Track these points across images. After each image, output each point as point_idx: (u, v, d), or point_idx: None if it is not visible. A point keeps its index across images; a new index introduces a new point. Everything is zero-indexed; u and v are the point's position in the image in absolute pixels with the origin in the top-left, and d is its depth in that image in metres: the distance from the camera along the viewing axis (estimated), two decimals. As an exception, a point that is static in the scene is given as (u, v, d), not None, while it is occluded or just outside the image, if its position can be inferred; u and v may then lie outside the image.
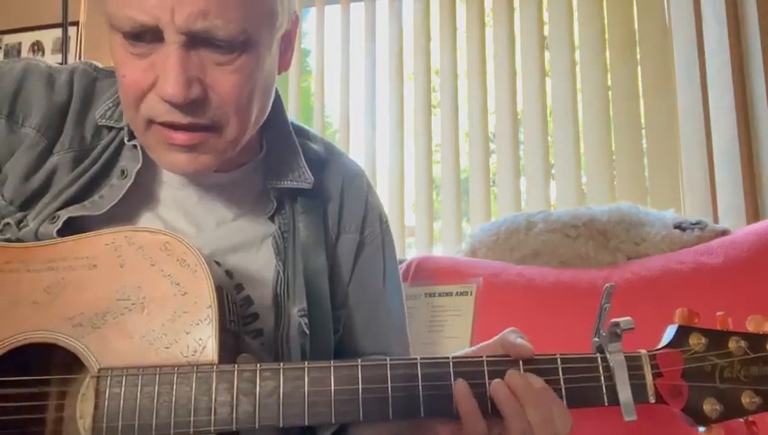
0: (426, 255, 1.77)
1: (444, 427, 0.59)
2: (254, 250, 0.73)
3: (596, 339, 0.62)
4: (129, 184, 0.68)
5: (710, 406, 0.59)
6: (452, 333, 1.24)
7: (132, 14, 0.57)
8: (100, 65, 0.77)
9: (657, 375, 0.60)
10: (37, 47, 2.28)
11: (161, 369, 0.56)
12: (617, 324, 0.60)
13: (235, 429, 0.55)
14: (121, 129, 0.71)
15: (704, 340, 0.62)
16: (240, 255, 0.65)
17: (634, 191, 1.76)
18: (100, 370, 0.56)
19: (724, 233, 1.30)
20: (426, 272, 1.33)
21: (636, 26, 1.82)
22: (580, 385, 0.59)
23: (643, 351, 0.61)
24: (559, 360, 0.59)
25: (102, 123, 0.71)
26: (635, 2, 1.83)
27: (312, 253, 0.74)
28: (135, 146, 0.69)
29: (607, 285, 0.63)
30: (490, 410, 0.57)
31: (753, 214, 1.57)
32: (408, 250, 2.04)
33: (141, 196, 0.70)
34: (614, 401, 0.59)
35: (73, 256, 0.59)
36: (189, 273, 0.58)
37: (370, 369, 0.57)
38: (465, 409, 0.56)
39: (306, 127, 0.87)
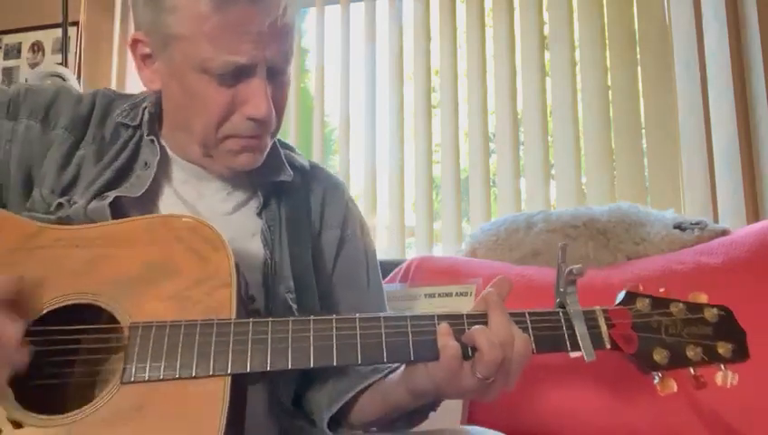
0: (426, 255, 1.77)
1: (434, 370, 0.66)
2: (247, 240, 0.83)
3: (557, 299, 0.72)
4: (153, 172, 0.80)
5: (659, 355, 0.69)
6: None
7: (233, 58, 0.72)
8: (118, 91, 0.91)
9: (610, 326, 0.70)
10: (37, 47, 2.28)
11: (186, 321, 0.64)
12: (571, 271, 0.70)
13: (248, 370, 0.63)
14: (137, 126, 0.83)
15: (648, 302, 0.72)
16: (235, 245, 0.71)
17: (634, 191, 1.76)
18: (131, 323, 0.64)
19: (724, 233, 1.30)
20: (425, 272, 1.33)
21: (636, 26, 1.82)
22: (546, 334, 0.68)
23: (597, 307, 0.72)
24: (527, 314, 0.69)
25: (119, 120, 0.84)
26: (635, 2, 1.83)
27: (297, 244, 0.85)
28: (152, 140, 0.82)
29: (561, 244, 0.74)
30: (470, 353, 0.65)
31: (753, 214, 1.57)
32: (408, 250, 2.04)
33: (156, 186, 0.82)
34: (575, 347, 0.68)
35: (113, 235, 0.70)
36: (212, 248, 0.68)
37: (367, 320, 0.67)
38: (444, 343, 0.65)
39: (291, 144, 0.99)
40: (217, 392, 0.62)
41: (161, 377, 0.62)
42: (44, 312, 0.64)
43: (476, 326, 0.65)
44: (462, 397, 0.68)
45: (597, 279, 1.23)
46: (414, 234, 1.98)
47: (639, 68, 1.80)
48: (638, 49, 1.81)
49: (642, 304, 0.72)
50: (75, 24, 2.18)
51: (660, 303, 0.73)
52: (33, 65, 2.26)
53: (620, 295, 0.74)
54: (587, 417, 1.11)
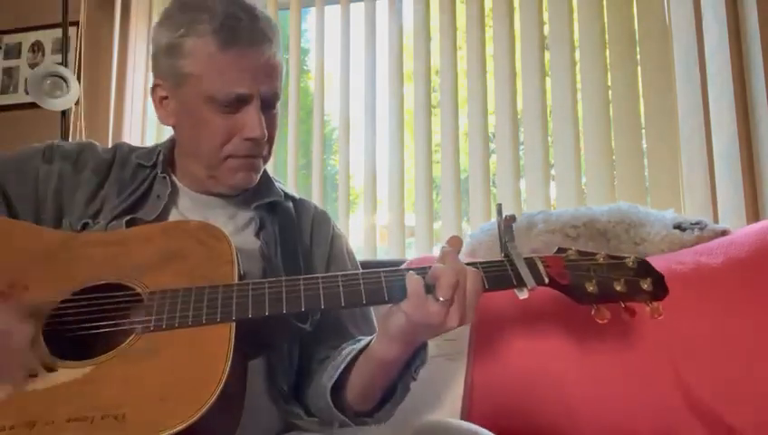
0: (426, 255, 1.77)
1: (404, 307, 0.77)
2: (246, 257, 0.92)
3: (503, 252, 0.85)
4: (164, 202, 0.96)
5: (591, 287, 0.81)
6: (451, 334, 1.24)
7: (236, 90, 0.89)
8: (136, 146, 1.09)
9: (546, 267, 0.83)
10: (37, 47, 2.28)
11: (195, 287, 0.77)
12: (506, 218, 0.85)
13: (250, 316, 0.75)
14: (152, 166, 1.00)
15: (575, 251, 0.86)
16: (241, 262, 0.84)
17: (634, 191, 1.76)
18: (149, 292, 0.77)
19: (724, 233, 1.30)
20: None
21: (636, 26, 1.82)
22: (495, 274, 0.81)
23: (534, 255, 0.85)
24: (479, 264, 0.81)
25: (138, 161, 1.01)
26: (635, 2, 1.83)
27: (290, 259, 0.98)
28: (165, 178, 0.99)
29: (497, 203, 0.89)
30: (432, 290, 0.76)
31: (753, 214, 1.57)
32: (408, 250, 2.04)
33: (165, 214, 0.97)
34: (520, 283, 0.80)
35: (135, 236, 0.87)
36: (216, 239, 0.84)
37: (348, 276, 0.80)
38: (409, 279, 0.77)
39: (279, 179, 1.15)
40: (225, 337, 0.73)
41: (176, 325, 0.74)
42: (80, 288, 0.78)
43: (435, 264, 0.78)
44: (431, 329, 0.77)
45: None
46: (414, 234, 1.98)
47: (639, 68, 1.80)
48: (638, 49, 1.81)
49: (571, 253, 0.85)
50: (75, 24, 2.18)
51: (586, 253, 0.86)
52: (33, 65, 2.26)
53: (553, 251, 0.87)
54: (586, 416, 1.11)
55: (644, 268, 0.84)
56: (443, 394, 1.18)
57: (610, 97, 1.82)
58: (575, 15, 1.89)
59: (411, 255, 1.97)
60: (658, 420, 1.08)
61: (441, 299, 0.74)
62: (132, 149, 1.05)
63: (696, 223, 1.33)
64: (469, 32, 1.98)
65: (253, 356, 0.85)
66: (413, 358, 0.86)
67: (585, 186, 1.85)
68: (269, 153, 0.99)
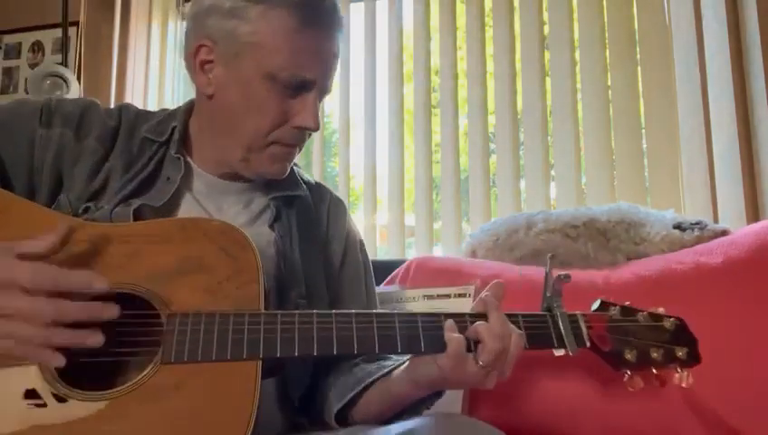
0: (426, 255, 1.77)
1: (440, 361, 0.74)
2: (261, 250, 0.85)
3: (544, 304, 0.84)
4: (175, 187, 0.87)
5: (629, 354, 0.82)
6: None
7: (303, 73, 0.82)
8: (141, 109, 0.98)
9: (589, 327, 0.83)
10: (37, 47, 2.28)
11: (220, 312, 0.71)
12: (559, 278, 0.83)
13: (278, 355, 0.70)
14: (163, 142, 0.90)
15: (618, 310, 0.86)
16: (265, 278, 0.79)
17: (634, 191, 1.76)
18: (168, 313, 0.70)
19: (724, 233, 1.30)
20: (425, 272, 1.33)
21: (636, 26, 1.82)
22: (536, 332, 0.79)
23: (578, 311, 0.84)
24: (520, 316, 0.79)
25: (148, 136, 0.90)
26: (635, 2, 1.83)
27: (308, 253, 0.92)
28: (179, 158, 0.89)
29: (549, 254, 0.87)
30: (473, 347, 0.74)
31: (753, 214, 1.57)
32: (408, 250, 2.04)
33: (177, 199, 0.88)
34: (561, 344, 0.80)
35: (150, 233, 0.76)
36: (240, 248, 0.76)
37: (383, 316, 0.75)
38: (450, 336, 0.73)
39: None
40: (250, 374, 0.68)
41: (199, 358, 0.68)
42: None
43: (480, 322, 0.75)
44: (464, 386, 0.77)
45: (597, 279, 1.23)
46: (414, 234, 1.98)
47: (639, 68, 1.80)
48: (638, 49, 1.81)
49: (614, 312, 0.86)
50: (75, 23, 2.18)
51: (628, 312, 0.86)
52: (33, 65, 2.26)
53: (596, 304, 0.87)
54: (585, 416, 1.11)
55: (681, 332, 0.86)
56: (443, 394, 1.18)
57: (610, 97, 1.82)
58: (575, 15, 1.89)
59: (411, 255, 1.97)
60: (659, 419, 1.08)
61: (482, 364, 0.72)
62: (139, 115, 0.94)
63: (696, 223, 1.32)
64: (469, 32, 1.98)
65: (269, 376, 0.81)
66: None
67: (585, 186, 1.84)
68: (299, 151, 0.94)
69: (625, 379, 0.82)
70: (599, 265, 1.29)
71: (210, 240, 0.76)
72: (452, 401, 1.16)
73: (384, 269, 1.38)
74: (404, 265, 1.37)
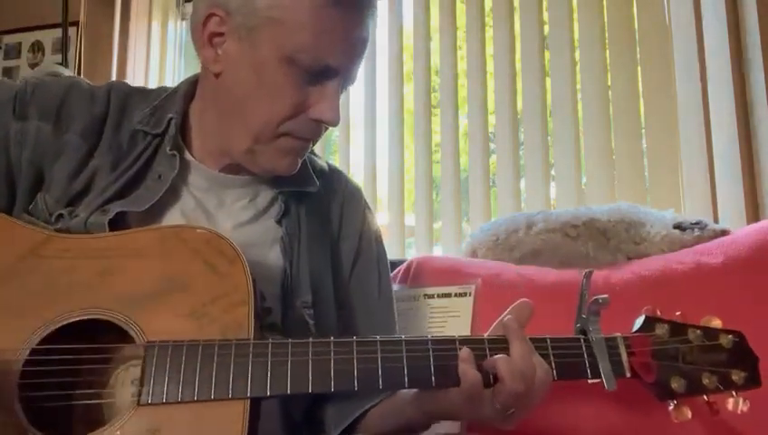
0: (426, 255, 1.77)
1: (453, 396, 0.66)
2: (266, 250, 0.81)
3: (578, 325, 0.73)
4: (165, 188, 0.77)
5: (677, 383, 0.71)
6: (451, 334, 1.24)
7: (328, 59, 0.72)
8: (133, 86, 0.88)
9: (630, 354, 0.71)
10: (37, 47, 2.28)
11: (203, 342, 0.63)
12: (597, 301, 0.72)
13: (269, 394, 0.62)
14: (157, 135, 0.80)
15: (667, 328, 0.74)
16: (253, 254, 0.70)
17: (634, 191, 1.76)
18: (147, 342, 0.62)
19: (724, 233, 1.30)
20: (426, 272, 1.33)
21: (636, 26, 1.82)
22: (567, 361, 0.68)
23: (618, 334, 0.73)
24: (548, 341, 0.69)
25: (139, 128, 0.80)
26: (635, 2, 1.82)
27: (316, 253, 0.84)
28: (174, 155, 0.79)
29: (586, 271, 0.75)
30: (491, 381, 0.65)
31: (753, 214, 1.57)
32: (408, 250, 2.04)
33: (170, 197, 0.79)
34: (596, 374, 0.69)
35: (125, 246, 0.68)
36: (228, 262, 0.67)
37: (389, 344, 0.66)
38: (465, 371, 0.64)
39: None
40: (236, 416, 0.61)
41: (179, 399, 0.61)
42: (55, 328, 0.63)
43: (500, 356, 0.65)
44: (479, 421, 0.69)
45: (597, 279, 1.23)
46: (414, 234, 1.97)
47: (639, 68, 1.80)
48: (638, 49, 1.81)
49: (661, 331, 0.74)
50: (75, 23, 2.18)
51: (678, 329, 0.75)
52: (33, 65, 2.26)
53: (639, 321, 0.75)
54: (586, 416, 1.11)
55: (739, 352, 0.74)
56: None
57: (610, 97, 1.82)
58: (575, 15, 1.88)
59: (411, 255, 1.97)
60: (659, 419, 1.08)
61: (500, 407, 0.64)
62: (131, 94, 0.84)
63: (696, 223, 1.32)
64: (469, 32, 1.98)
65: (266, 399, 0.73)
66: None
67: (585, 186, 1.84)
68: (312, 147, 0.84)
69: (670, 408, 0.72)
70: (599, 264, 1.29)
71: (194, 253, 0.67)
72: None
73: (384, 269, 1.38)
74: (404, 265, 1.37)
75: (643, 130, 1.80)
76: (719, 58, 1.66)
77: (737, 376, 0.73)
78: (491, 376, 0.65)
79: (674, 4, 1.78)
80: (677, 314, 0.77)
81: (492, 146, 1.95)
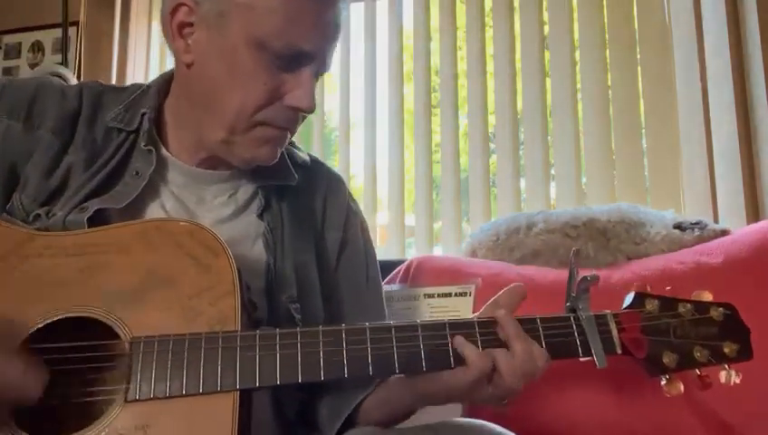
0: (426, 255, 1.77)
1: (458, 380, 0.66)
2: (249, 246, 0.81)
3: (568, 303, 0.73)
4: (143, 184, 0.76)
5: (668, 358, 0.71)
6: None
7: (301, 44, 0.71)
8: (105, 83, 0.86)
9: (621, 330, 0.71)
10: (37, 47, 2.28)
11: (189, 335, 0.62)
12: (585, 279, 0.72)
13: (258, 385, 0.62)
14: (132, 132, 0.79)
15: (657, 303, 0.74)
16: (236, 249, 0.69)
17: (634, 191, 1.76)
18: (132, 338, 0.62)
19: (724, 233, 1.30)
20: (425, 272, 1.33)
21: (636, 26, 1.82)
22: (558, 340, 0.68)
23: (608, 311, 0.73)
24: (538, 321, 0.69)
25: (113, 125, 0.79)
26: (635, 2, 1.83)
27: (300, 246, 0.83)
28: (150, 150, 0.78)
29: (574, 249, 0.77)
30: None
31: (753, 214, 1.57)
32: (408, 250, 2.04)
33: (149, 194, 0.78)
34: (587, 352, 0.69)
35: (107, 242, 0.66)
36: (213, 255, 0.66)
37: (378, 331, 0.65)
38: (466, 351, 0.65)
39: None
40: (226, 409, 0.60)
41: (167, 394, 0.60)
42: (37, 327, 0.62)
43: (500, 351, 0.66)
44: (474, 403, 0.70)
45: (597, 279, 1.23)
46: (414, 234, 1.97)
47: (639, 68, 1.80)
48: (638, 49, 1.81)
49: (651, 306, 0.74)
50: (75, 23, 2.18)
51: (669, 304, 0.74)
52: (33, 65, 2.26)
53: (629, 297, 0.75)
54: (585, 414, 1.11)
55: (731, 324, 0.74)
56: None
57: (610, 97, 1.82)
58: (575, 15, 1.88)
59: (411, 255, 1.97)
60: (659, 419, 1.08)
61: (498, 395, 0.66)
62: (104, 92, 0.82)
63: (696, 223, 1.33)
64: (469, 32, 1.98)
65: (255, 391, 0.72)
66: None
67: (585, 186, 1.84)
68: (291, 137, 0.82)
69: (662, 383, 0.72)
70: (598, 265, 1.29)
71: (177, 246, 0.66)
72: (453, 407, 1.16)
73: (384, 269, 1.37)
74: (404, 265, 1.37)
75: (643, 130, 1.80)
76: (719, 58, 1.66)
77: (729, 349, 0.73)
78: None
79: (674, 4, 1.78)
80: (668, 289, 0.76)
81: (492, 146, 1.96)
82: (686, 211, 1.69)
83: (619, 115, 1.81)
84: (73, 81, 2.00)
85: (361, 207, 1.00)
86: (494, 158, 1.95)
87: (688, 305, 0.74)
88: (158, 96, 0.82)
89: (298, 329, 0.65)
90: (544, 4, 1.92)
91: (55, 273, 0.64)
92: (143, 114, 0.80)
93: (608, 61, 1.83)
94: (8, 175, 0.76)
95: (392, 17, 2.06)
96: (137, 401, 0.60)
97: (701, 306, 0.75)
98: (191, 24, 0.74)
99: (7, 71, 2.29)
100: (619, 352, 0.71)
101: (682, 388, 0.71)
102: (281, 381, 0.62)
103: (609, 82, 1.82)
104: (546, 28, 1.92)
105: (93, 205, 0.72)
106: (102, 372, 0.65)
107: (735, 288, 1.14)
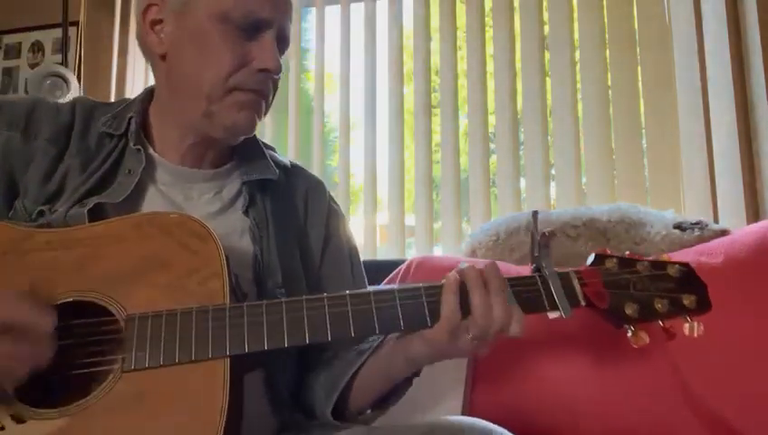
0: (426, 255, 1.77)
1: (435, 333, 0.71)
2: (236, 239, 0.86)
3: (533, 265, 0.77)
4: (136, 180, 0.82)
5: (630, 308, 0.74)
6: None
7: (257, 12, 0.80)
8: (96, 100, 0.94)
9: (583, 285, 0.75)
10: (37, 47, 2.28)
11: (181, 310, 0.66)
12: (544, 235, 0.77)
13: (247, 350, 0.66)
14: (121, 135, 0.86)
15: (616, 261, 0.78)
16: (224, 242, 0.73)
17: (634, 191, 1.76)
18: (127, 315, 0.66)
19: (724, 233, 1.30)
20: (425, 272, 1.33)
21: (636, 26, 1.82)
22: (526, 296, 0.73)
23: (570, 268, 0.77)
24: (507, 281, 0.73)
25: (104, 130, 0.86)
26: (635, 2, 1.83)
27: (285, 240, 0.89)
28: (139, 150, 0.85)
29: (532, 211, 0.80)
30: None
31: (753, 214, 1.57)
32: (408, 250, 2.04)
33: (141, 191, 0.84)
34: (553, 306, 0.73)
35: (103, 234, 0.72)
36: (200, 241, 0.71)
37: (358, 296, 0.70)
38: (447, 299, 0.70)
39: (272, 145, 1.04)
40: (217, 374, 0.64)
41: (161, 362, 0.64)
42: None
43: (478, 289, 0.71)
44: (456, 357, 0.74)
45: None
46: (414, 234, 1.98)
47: (639, 68, 1.80)
48: (638, 49, 1.81)
49: (611, 264, 0.77)
50: (75, 23, 2.18)
51: (627, 262, 0.78)
52: (33, 65, 2.26)
53: (590, 259, 0.79)
54: (585, 417, 1.11)
55: (688, 279, 0.78)
56: (443, 394, 1.18)
57: (610, 97, 1.82)
58: (575, 15, 1.89)
59: (411, 255, 1.97)
60: (658, 419, 1.08)
61: (471, 337, 0.70)
62: (94, 108, 0.90)
63: (696, 223, 1.33)
64: (469, 32, 1.98)
65: (247, 371, 0.77)
66: None
67: (585, 186, 1.84)
68: (268, 108, 0.89)
69: (628, 334, 0.75)
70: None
71: (167, 235, 0.71)
72: (453, 405, 1.16)
73: (384, 269, 1.38)
74: (404, 265, 1.37)
75: (643, 130, 1.80)
76: (719, 58, 1.66)
77: (688, 300, 0.76)
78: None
79: (674, 4, 1.78)
80: (627, 253, 0.80)
81: (492, 146, 1.96)
82: (686, 211, 1.69)
83: (619, 115, 1.81)
84: (73, 81, 2.00)
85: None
86: (494, 158, 1.95)
87: (646, 263, 0.78)
88: (142, 103, 0.90)
89: (283, 300, 0.70)
90: (544, 4, 1.92)
91: (54, 264, 0.69)
92: (130, 118, 0.87)
93: (608, 61, 1.83)
94: (8, 184, 0.81)
95: (392, 17, 2.06)
96: (133, 370, 0.64)
97: (658, 264, 0.78)
98: (161, 21, 0.83)
99: (7, 71, 2.30)
100: (583, 303, 0.74)
101: (647, 339, 0.74)
102: (268, 345, 0.66)
103: (609, 82, 1.82)
104: (546, 28, 1.92)
105: (92, 200, 0.78)
106: (101, 347, 0.68)
107: (735, 288, 1.14)
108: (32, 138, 0.83)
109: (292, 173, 0.98)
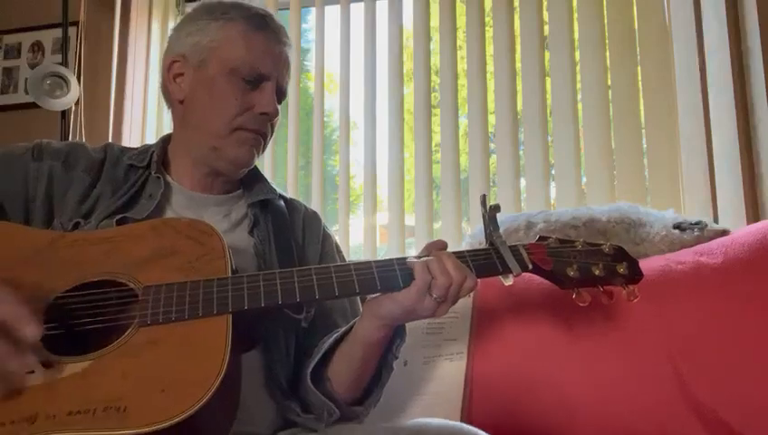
0: (426, 255, 1.77)
1: (406, 294, 0.83)
2: (241, 253, 0.97)
3: (487, 241, 0.91)
4: (156, 202, 0.98)
5: (572, 271, 0.88)
6: (451, 334, 1.24)
7: (259, 68, 0.99)
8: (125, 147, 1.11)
9: (530, 253, 0.89)
10: (37, 47, 2.28)
11: (191, 281, 0.79)
12: (491, 208, 0.91)
13: (246, 307, 0.77)
14: (146, 167, 1.03)
15: (556, 239, 0.92)
16: (233, 257, 0.86)
17: (634, 191, 1.76)
18: (144, 287, 0.79)
19: (724, 233, 1.30)
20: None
21: (636, 26, 1.82)
22: (482, 263, 0.87)
23: (517, 244, 0.91)
24: (466, 253, 0.87)
25: (130, 162, 1.03)
26: (635, 2, 1.83)
27: (285, 253, 1.02)
28: (159, 177, 1.01)
29: (481, 194, 0.94)
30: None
31: (753, 214, 1.57)
32: (408, 250, 2.04)
33: (159, 211, 0.99)
34: (506, 269, 0.86)
35: (124, 233, 0.87)
36: (207, 236, 0.86)
37: (340, 267, 0.84)
38: (419, 271, 0.82)
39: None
40: (221, 328, 0.74)
41: (173, 318, 0.75)
42: (66, 290, 0.78)
43: (432, 260, 0.83)
44: (421, 317, 0.85)
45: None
46: (414, 234, 1.98)
47: (639, 68, 1.80)
48: (638, 49, 1.81)
49: (552, 241, 0.92)
50: (75, 23, 2.18)
51: (565, 241, 0.92)
52: (33, 65, 2.26)
53: (535, 238, 0.93)
54: (586, 417, 1.11)
55: (620, 254, 0.91)
56: (443, 394, 1.18)
57: (610, 97, 1.82)
58: (575, 15, 1.89)
59: (411, 254, 1.97)
60: (658, 420, 1.08)
61: (435, 296, 0.81)
62: (123, 149, 1.07)
63: (696, 223, 1.33)
64: (469, 32, 1.98)
65: (246, 349, 0.86)
66: (393, 337, 0.92)
67: (585, 186, 1.84)
68: (266, 145, 1.05)
69: (574, 296, 0.88)
70: (599, 265, 1.29)
71: (179, 233, 0.86)
72: (452, 408, 1.16)
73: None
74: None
75: (643, 130, 1.80)
76: (719, 58, 1.66)
77: (621, 268, 0.89)
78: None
79: (674, 4, 1.78)
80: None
81: (492, 146, 1.96)
82: (686, 211, 1.69)
83: (619, 115, 1.81)
84: (73, 81, 2.00)
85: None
86: (494, 158, 1.95)
87: (582, 241, 0.92)
88: (163, 142, 1.07)
89: (277, 271, 0.82)
90: (544, 4, 1.92)
91: (84, 256, 0.83)
92: (152, 153, 1.05)
93: (608, 61, 1.83)
94: (48, 209, 0.96)
95: (392, 17, 2.06)
96: (148, 325, 0.75)
97: (593, 244, 0.92)
98: (182, 74, 1.01)
99: (7, 71, 2.30)
100: (530, 267, 0.88)
101: (589, 298, 0.87)
102: (265, 302, 0.78)
103: (609, 82, 1.82)
104: (546, 28, 1.92)
105: (119, 215, 0.94)
106: (123, 312, 0.79)
107: (735, 288, 1.14)
108: (70, 168, 0.99)
109: (291, 202, 1.14)
